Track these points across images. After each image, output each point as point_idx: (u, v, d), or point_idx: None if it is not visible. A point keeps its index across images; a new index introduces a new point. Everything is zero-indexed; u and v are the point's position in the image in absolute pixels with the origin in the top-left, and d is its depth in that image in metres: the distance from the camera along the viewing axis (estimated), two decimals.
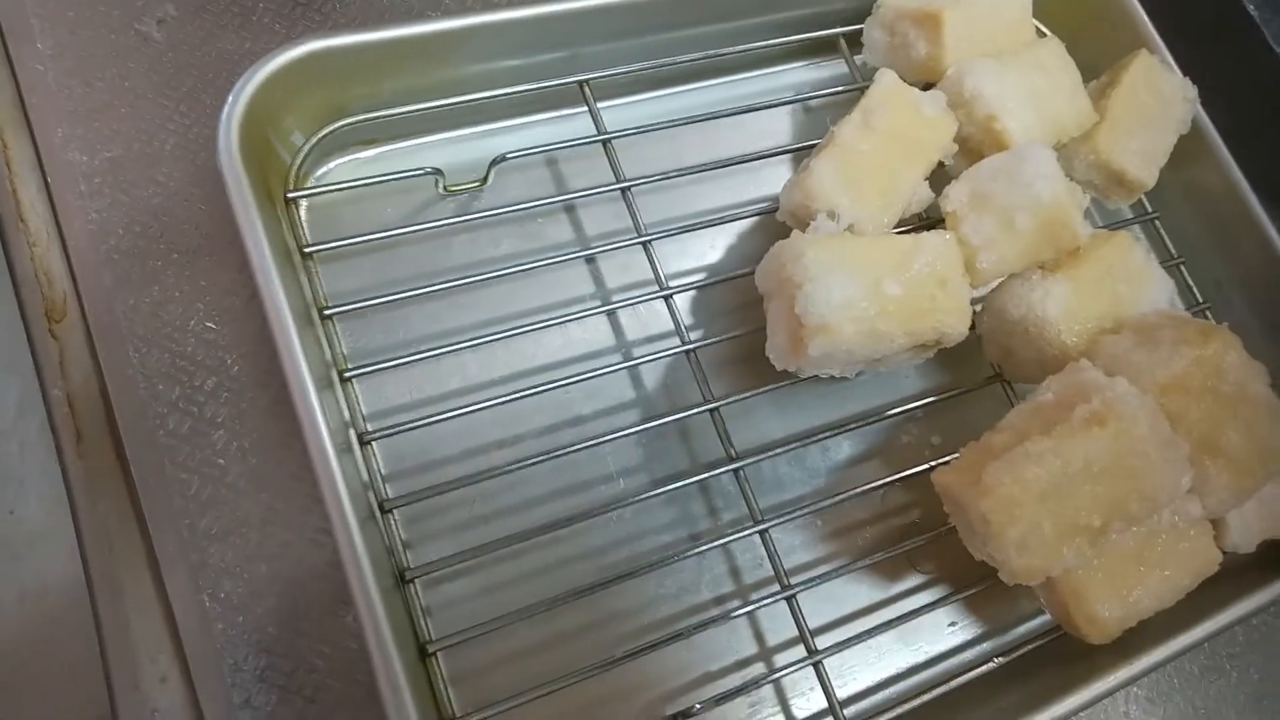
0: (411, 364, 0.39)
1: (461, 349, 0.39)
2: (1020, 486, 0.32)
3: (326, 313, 0.38)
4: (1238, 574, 0.41)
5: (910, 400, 0.43)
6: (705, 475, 0.39)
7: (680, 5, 0.44)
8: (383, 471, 0.38)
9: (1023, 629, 0.42)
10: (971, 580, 0.39)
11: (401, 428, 0.37)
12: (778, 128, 0.49)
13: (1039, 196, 0.37)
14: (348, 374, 0.37)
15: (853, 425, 0.41)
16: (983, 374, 0.43)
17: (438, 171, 0.42)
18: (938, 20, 0.43)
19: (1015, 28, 0.45)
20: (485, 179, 0.43)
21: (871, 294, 0.35)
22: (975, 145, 0.42)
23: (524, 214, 0.43)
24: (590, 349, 0.43)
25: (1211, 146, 0.47)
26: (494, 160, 0.42)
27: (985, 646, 0.41)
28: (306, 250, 0.38)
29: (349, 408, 0.37)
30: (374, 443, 0.37)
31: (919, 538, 0.39)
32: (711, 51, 0.45)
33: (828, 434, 0.41)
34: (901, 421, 0.44)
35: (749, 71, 0.50)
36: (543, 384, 0.38)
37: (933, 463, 0.40)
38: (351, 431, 0.36)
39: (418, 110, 0.41)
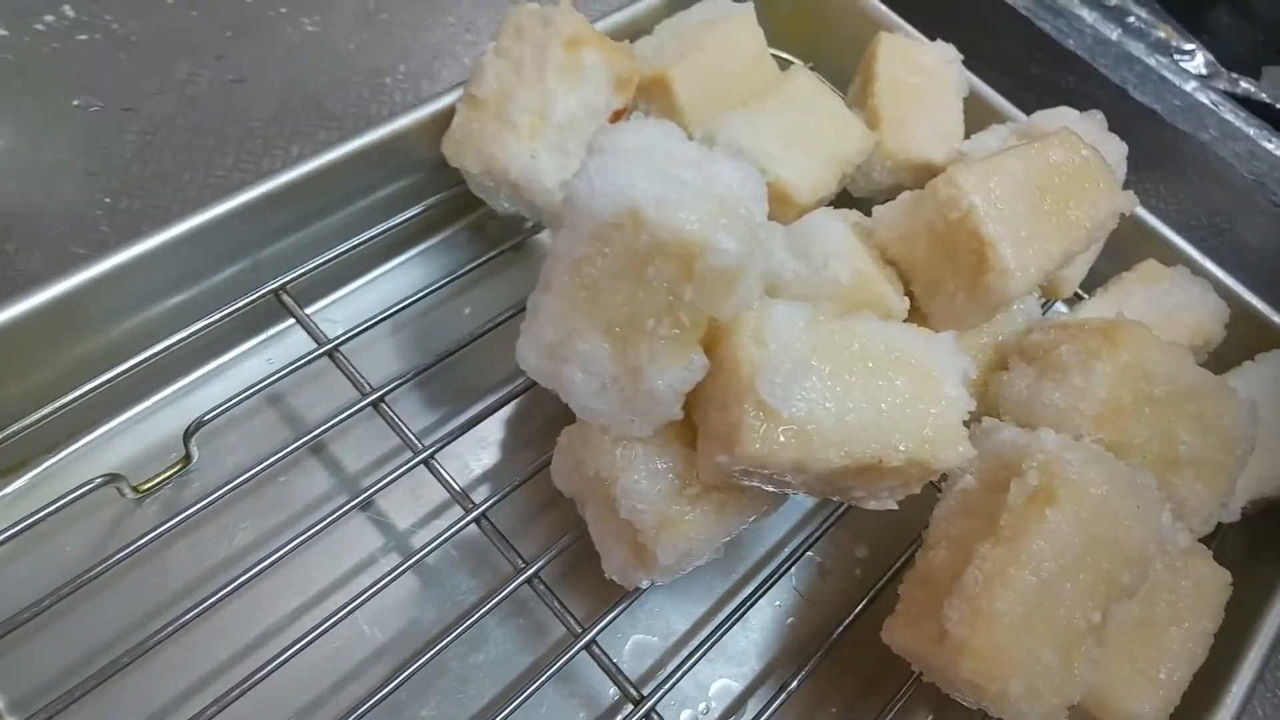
0: None
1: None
2: (998, 626, 0.24)
3: None
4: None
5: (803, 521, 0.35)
6: None
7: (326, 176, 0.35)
8: None
9: None
10: None
11: None
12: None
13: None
14: None
15: (759, 591, 0.31)
16: None
17: (115, 477, 0.30)
18: (665, 82, 0.36)
19: (753, 67, 0.39)
20: (188, 456, 0.32)
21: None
22: None
23: (255, 481, 0.31)
24: (402, 617, 0.31)
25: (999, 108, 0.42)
26: (189, 429, 0.31)
27: None
28: None
29: None
30: None
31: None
32: (398, 220, 0.36)
33: (736, 616, 0.31)
34: (807, 554, 0.34)
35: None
36: None
37: (871, 592, 0.31)
38: None
39: (61, 408, 0.30)
